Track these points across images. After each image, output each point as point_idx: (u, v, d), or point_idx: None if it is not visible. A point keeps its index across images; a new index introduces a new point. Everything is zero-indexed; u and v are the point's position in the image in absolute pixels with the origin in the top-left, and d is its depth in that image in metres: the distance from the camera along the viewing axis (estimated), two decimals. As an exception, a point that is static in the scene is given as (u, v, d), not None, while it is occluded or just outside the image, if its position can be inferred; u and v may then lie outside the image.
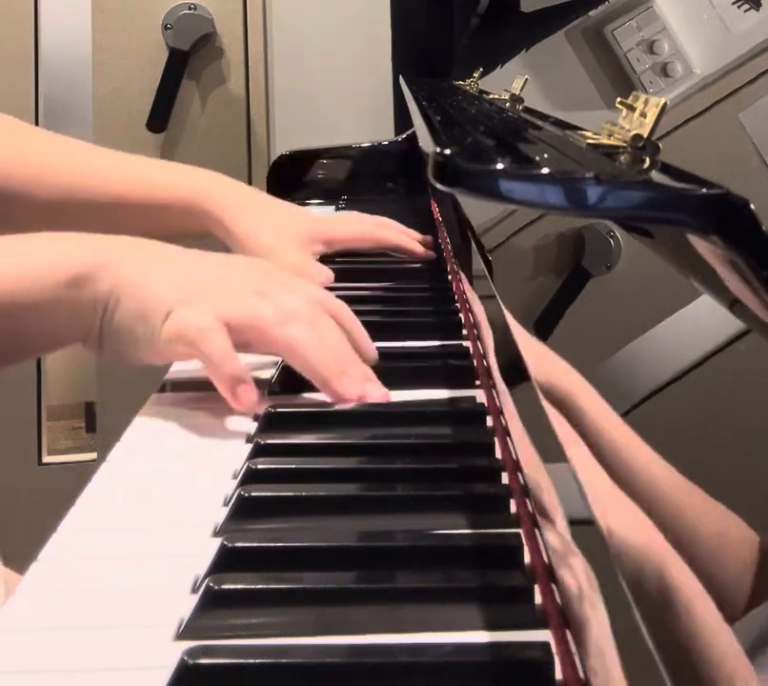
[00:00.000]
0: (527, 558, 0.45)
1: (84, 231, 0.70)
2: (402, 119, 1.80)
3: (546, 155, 0.53)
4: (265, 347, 0.67)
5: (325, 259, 1.07)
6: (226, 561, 0.45)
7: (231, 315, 0.65)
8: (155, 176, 1.02)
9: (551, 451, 0.47)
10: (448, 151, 0.45)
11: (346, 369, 0.65)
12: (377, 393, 0.65)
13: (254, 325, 0.65)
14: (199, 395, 0.68)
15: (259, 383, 0.67)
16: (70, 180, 0.98)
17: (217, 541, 0.46)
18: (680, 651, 0.29)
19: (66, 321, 0.67)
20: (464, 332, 0.81)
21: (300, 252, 1.00)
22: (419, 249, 1.06)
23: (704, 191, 0.43)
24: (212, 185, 0.99)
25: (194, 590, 0.44)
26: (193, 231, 0.99)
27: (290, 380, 0.68)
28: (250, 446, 0.58)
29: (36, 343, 0.69)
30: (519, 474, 0.52)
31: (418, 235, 1.10)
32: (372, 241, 1.06)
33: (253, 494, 0.51)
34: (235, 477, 0.54)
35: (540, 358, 0.56)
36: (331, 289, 0.96)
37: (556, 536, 0.41)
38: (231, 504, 0.51)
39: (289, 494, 0.52)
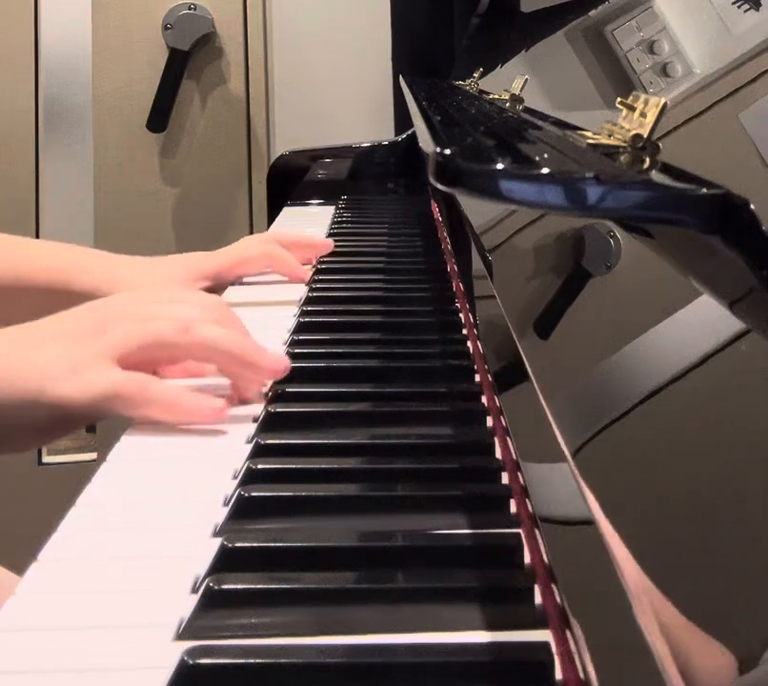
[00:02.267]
0: (527, 558, 0.45)
1: None
2: (402, 119, 1.80)
3: (546, 155, 0.53)
4: (183, 357, 0.67)
5: (322, 259, 1.07)
6: (226, 561, 0.45)
7: (130, 346, 0.64)
8: (25, 260, 0.94)
9: (551, 450, 0.47)
10: (448, 152, 0.45)
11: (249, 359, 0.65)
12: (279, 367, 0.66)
13: (155, 342, 0.64)
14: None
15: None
16: None
17: (217, 541, 0.46)
18: None
19: None
20: (464, 331, 0.81)
21: (185, 290, 0.93)
22: (298, 272, 1.01)
23: (704, 191, 0.43)
24: (74, 260, 0.94)
25: (194, 590, 0.44)
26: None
27: (289, 377, 0.68)
28: (250, 446, 0.58)
29: None
30: (519, 474, 0.52)
31: (315, 243, 1.07)
32: (260, 260, 1.00)
33: (253, 494, 0.51)
34: (235, 477, 0.54)
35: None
36: (330, 289, 0.96)
37: None
38: (231, 504, 0.51)
39: (289, 494, 0.52)
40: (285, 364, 0.66)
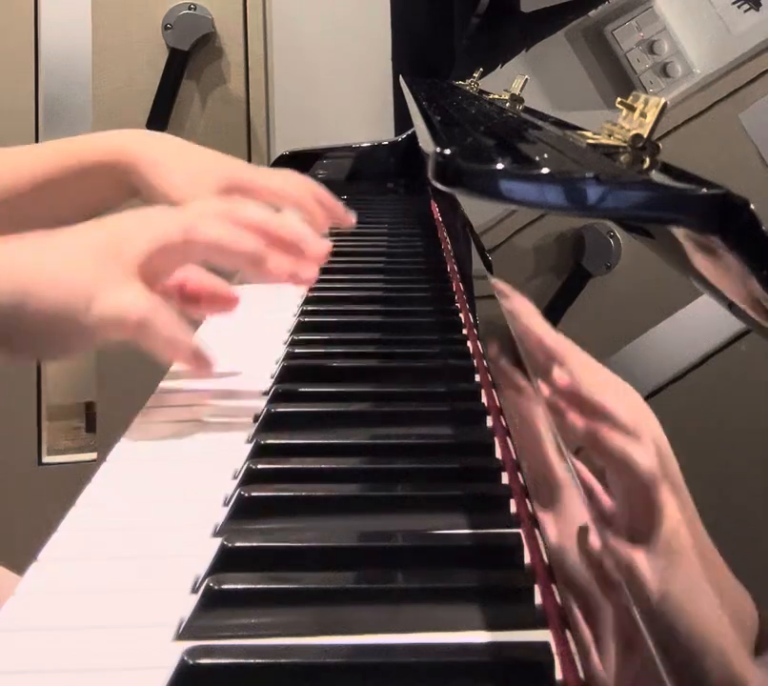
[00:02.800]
0: (527, 558, 0.45)
1: (24, 219, 0.66)
2: (402, 119, 1.80)
3: (546, 155, 0.53)
4: (197, 258, 0.66)
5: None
6: (226, 561, 0.45)
7: (149, 252, 0.63)
8: (73, 146, 0.95)
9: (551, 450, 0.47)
10: (448, 152, 0.45)
11: (284, 236, 0.66)
12: (309, 273, 0.67)
13: (172, 245, 0.64)
14: (199, 396, 0.68)
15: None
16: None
17: (217, 541, 0.46)
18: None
19: None
20: (464, 331, 0.81)
21: (209, 196, 0.94)
22: (324, 224, 1.01)
23: (704, 191, 0.43)
24: (131, 138, 0.96)
25: (194, 590, 0.44)
26: (121, 192, 0.94)
27: (289, 377, 0.68)
28: (250, 446, 0.58)
29: None
30: (519, 474, 0.52)
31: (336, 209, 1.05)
32: (289, 201, 1.00)
33: (253, 494, 0.51)
34: (235, 477, 0.54)
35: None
36: (330, 289, 0.96)
37: None
38: (231, 504, 0.51)
39: (289, 494, 0.52)
40: (289, 273, 0.66)
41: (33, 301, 0.62)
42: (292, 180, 1.01)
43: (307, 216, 0.98)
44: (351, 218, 1.04)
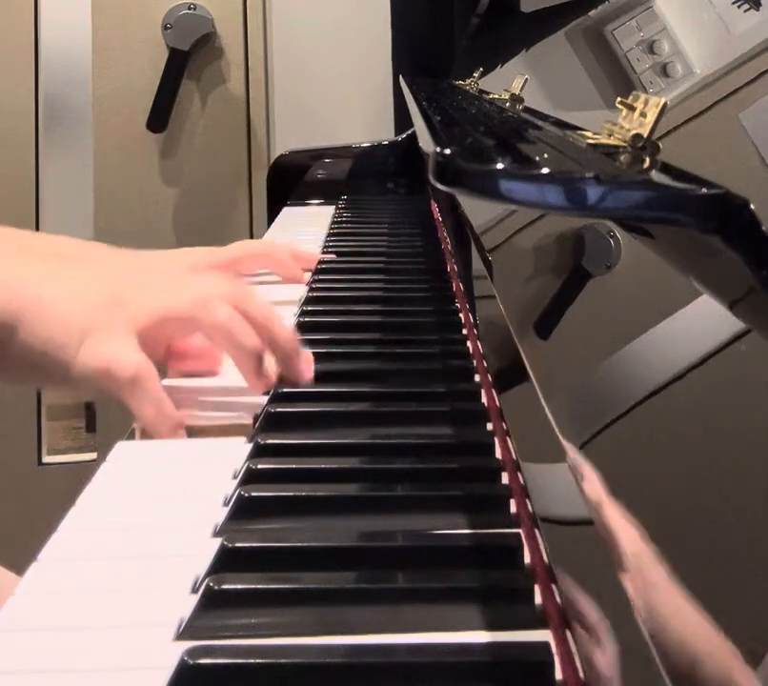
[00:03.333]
0: (527, 558, 0.45)
1: None
2: (402, 119, 1.80)
3: (546, 155, 0.53)
4: (192, 332, 0.65)
5: (323, 259, 1.07)
6: (226, 561, 0.45)
7: (153, 317, 0.62)
8: None
9: (551, 450, 0.47)
10: (448, 152, 0.45)
11: (280, 339, 0.65)
12: (306, 364, 0.66)
13: (177, 315, 0.63)
14: (199, 396, 0.68)
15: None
16: None
17: (217, 541, 0.46)
18: None
19: None
20: (464, 331, 0.81)
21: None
22: (294, 273, 1.00)
23: (704, 191, 0.43)
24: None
25: (194, 590, 0.44)
26: None
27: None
28: (250, 446, 0.58)
29: None
30: (519, 474, 0.52)
31: (304, 256, 1.05)
32: (258, 259, 1.00)
33: (253, 494, 0.51)
34: (235, 477, 0.54)
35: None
36: (330, 289, 0.96)
37: None
38: (231, 504, 0.51)
39: (289, 494, 0.52)
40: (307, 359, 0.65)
41: (24, 328, 0.60)
42: (242, 246, 1.00)
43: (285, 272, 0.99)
44: (314, 259, 1.05)
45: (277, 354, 0.66)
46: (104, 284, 0.64)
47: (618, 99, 0.61)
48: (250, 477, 0.54)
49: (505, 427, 0.58)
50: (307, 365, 0.67)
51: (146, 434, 0.64)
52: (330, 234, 1.25)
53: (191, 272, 0.67)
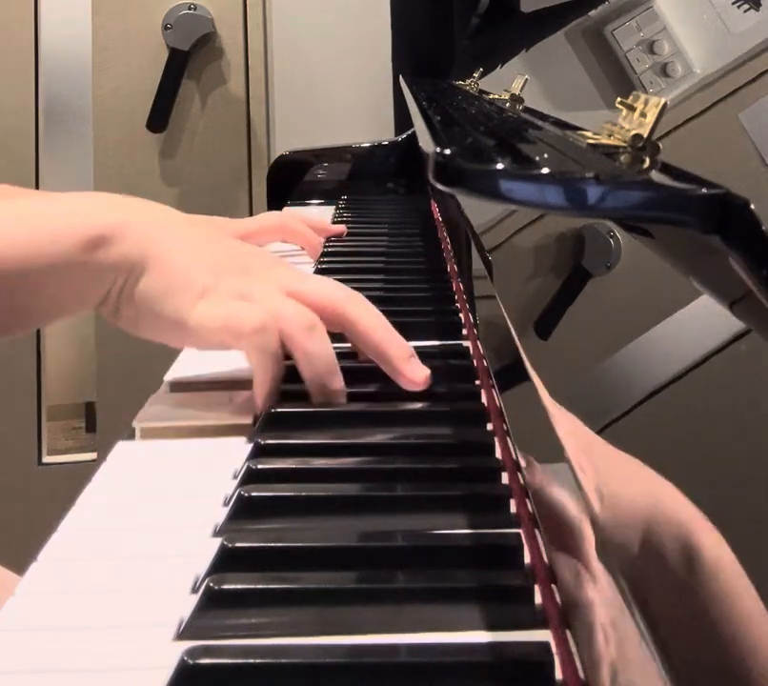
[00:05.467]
0: (527, 558, 0.45)
1: None
2: (402, 119, 1.80)
3: (546, 155, 0.53)
4: (335, 327, 0.65)
5: (322, 259, 1.07)
6: (226, 561, 0.45)
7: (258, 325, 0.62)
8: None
9: (551, 451, 0.47)
10: (448, 152, 0.45)
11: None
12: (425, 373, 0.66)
13: (326, 304, 0.64)
14: (198, 395, 0.68)
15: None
16: None
17: (217, 541, 0.46)
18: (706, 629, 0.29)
19: (83, 285, 0.62)
20: (464, 331, 0.81)
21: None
22: (313, 242, 1.07)
23: (704, 191, 0.43)
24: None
25: (194, 590, 0.44)
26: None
27: (290, 377, 0.68)
28: (250, 446, 0.58)
29: (50, 308, 0.64)
30: (519, 474, 0.52)
31: (328, 227, 1.14)
32: (277, 231, 1.06)
33: (253, 494, 0.51)
34: (235, 477, 0.54)
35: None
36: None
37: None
38: (231, 504, 0.51)
39: (289, 494, 0.52)
40: (423, 378, 0.65)
41: (152, 272, 0.62)
42: (263, 217, 1.07)
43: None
44: (342, 229, 1.16)
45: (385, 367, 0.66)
46: (229, 250, 0.66)
47: (618, 99, 0.61)
48: (250, 477, 0.54)
49: (505, 427, 0.58)
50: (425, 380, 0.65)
51: (146, 434, 0.64)
52: (329, 237, 1.25)
53: (304, 275, 0.68)
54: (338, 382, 0.63)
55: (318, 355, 0.63)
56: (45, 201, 0.66)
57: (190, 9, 2.10)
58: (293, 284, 0.65)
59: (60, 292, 0.63)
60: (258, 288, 0.64)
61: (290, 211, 1.29)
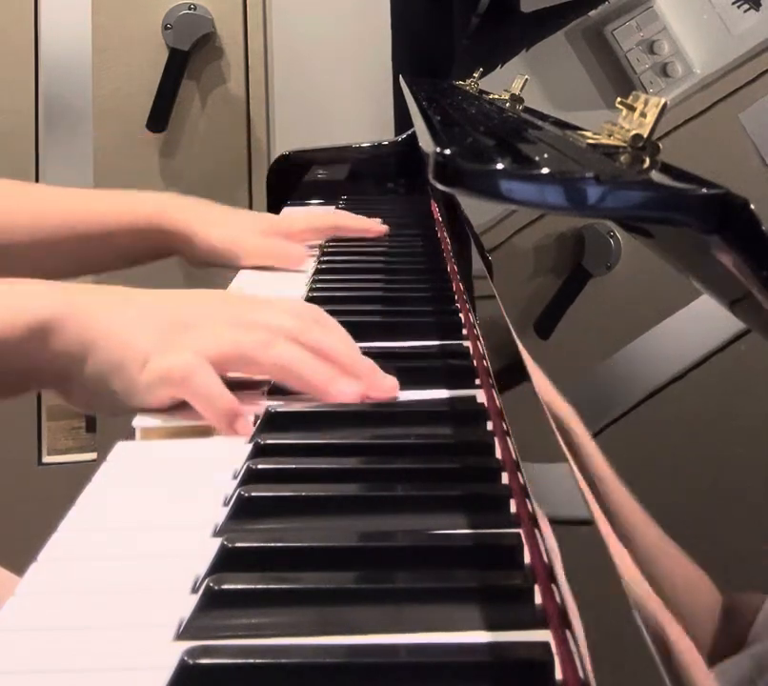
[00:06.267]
0: (527, 558, 0.45)
1: (50, 268, 0.68)
2: (402, 119, 1.80)
3: (546, 155, 0.53)
4: (256, 373, 0.66)
5: (322, 259, 1.07)
6: (226, 561, 0.45)
7: (211, 351, 0.63)
8: (114, 205, 1.07)
9: (551, 451, 0.47)
10: (448, 152, 0.45)
11: (350, 369, 0.65)
12: (386, 384, 0.65)
13: (237, 355, 0.64)
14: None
15: (253, 384, 0.67)
16: (31, 221, 0.99)
17: (217, 541, 0.46)
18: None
19: (30, 370, 0.65)
20: (464, 331, 0.81)
21: (262, 238, 1.04)
22: (375, 228, 1.16)
23: (704, 191, 0.43)
24: (167, 201, 1.08)
25: (194, 590, 0.44)
26: (155, 250, 1.06)
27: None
28: (250, 446, 0.58)
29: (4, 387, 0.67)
30: (519, 474, 0.52)
31: (371, 223, 1.18)
32: (328, 228, 1.15)
33: (253, 494, 0.51)
34: (235, 477, 0.54)
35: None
36: (330, 289, 0.96)
37: None
38: (231, 504, 0.51)
39: (289, 493, 0.52)
40: (359, 394, 0.65)
41: (94, 357, 0.64)
42: (312, 215, 1.20)
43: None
44: (380, 227, 1.19)
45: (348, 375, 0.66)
46: (173, 310, 0.67)
47: (618, 99, 0.61)
48: (250, 477, 0.54)
49: (505, 427, 0.58)
50: (390, 389, 0.66)
51: (146, 435, 0.64)
52: (328, 238, 1.25)
53: (255, 307, 0.68)
54: (242, 427, 0.63)
55: (208, 397, 0.63)
56: None
57: (190, 9, 2.10)
58: (223, 334, 0.65)
59: (10, 373, 0.65)
60: (190, 339, 0.65)
61: (289, 211, 1.31)
